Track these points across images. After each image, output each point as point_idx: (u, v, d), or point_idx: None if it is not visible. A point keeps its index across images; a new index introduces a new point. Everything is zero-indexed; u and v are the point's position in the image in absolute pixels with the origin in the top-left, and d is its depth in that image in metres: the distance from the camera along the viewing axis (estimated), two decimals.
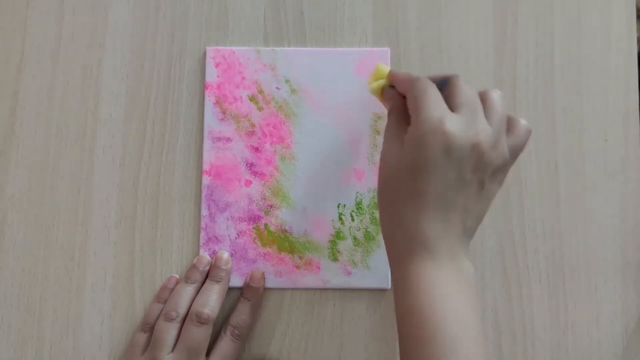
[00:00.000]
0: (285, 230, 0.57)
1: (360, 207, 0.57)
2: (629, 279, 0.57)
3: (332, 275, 0.56)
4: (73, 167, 0.58)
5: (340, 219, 0.57)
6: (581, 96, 0.59)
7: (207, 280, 0.55)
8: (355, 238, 0.56)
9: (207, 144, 0.57)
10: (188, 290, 0.54)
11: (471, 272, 0.45)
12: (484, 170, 0.44)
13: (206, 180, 0.57)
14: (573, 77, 0.59)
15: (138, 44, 0.60)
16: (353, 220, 0.57)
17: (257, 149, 0.57)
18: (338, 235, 0.56)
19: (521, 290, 0.57)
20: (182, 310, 0.53)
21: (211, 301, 0.53)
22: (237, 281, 0.56)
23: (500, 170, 0.46)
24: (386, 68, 0.52)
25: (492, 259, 0.57)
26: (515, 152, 0.47)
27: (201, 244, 0.56)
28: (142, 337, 0.54)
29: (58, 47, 0.60)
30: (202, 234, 0.56)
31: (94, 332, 0.56)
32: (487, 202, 0.46)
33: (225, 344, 0.53)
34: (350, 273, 0.56)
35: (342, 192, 0.57)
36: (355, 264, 0.56)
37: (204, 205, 0.57)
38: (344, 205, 0.57)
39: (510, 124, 0.47)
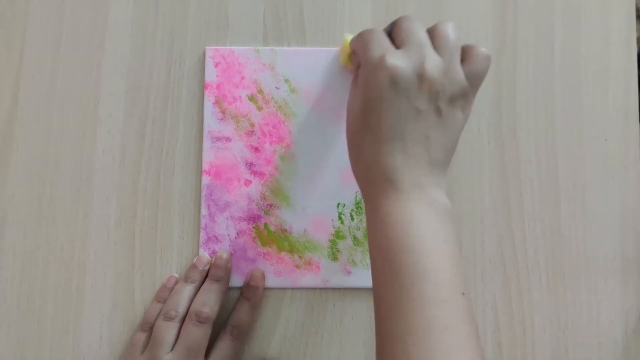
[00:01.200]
0: (285, 230, 0.57)
1: (360, 207, 0.57)
2: (629, 279, 0.57)
3: (332, 274, 0.56)
4: (73, 167, 0.58)
5: (340, 218, 0.57)
6: (581, 96, 0.59)
7: (207, 280, 0.55)
8: (355, 237, 0.56)
9: (206, 143, 0.57)
10: (187, 290, 0.54)
11: (444, 203, 0.45)
12: (437, 98, 0.45)
13: (206, 180, 0.57)
14: (573, 77, 0.59)
15: (138, 44, 0.60)
16: (353, 219, 0.57)
17: (256, 149, 0.57)
18: (338, 235, 0.56)
19: (521, 290, 0.57)
20: (181, 309, 0.53)
21: (211, 300, 0.53)
22: (237, 281, 0.56)
23: (459, 97, 0.46)
24: (350, 37, 0.53)
25: (492, 259, 0.57)
26: (474, 79, 0.46)
27: (201, 243, 0.56)
28: (142, 337, 0.53)
29: (58, 47, 0.60)
30: (202, 233, 0.56)
31: (94, 332, 0.56)
32: (452, 131, 0.46)
33: (225, 344, 0.53)
34: (350, 272, 0.56)
35: (342, 192, 0.57)
36: (355, 263, 0.56)
37: (203, 205, 0.57)
38: (344, 205, 0.57)
39: (466, 52, 0.47)
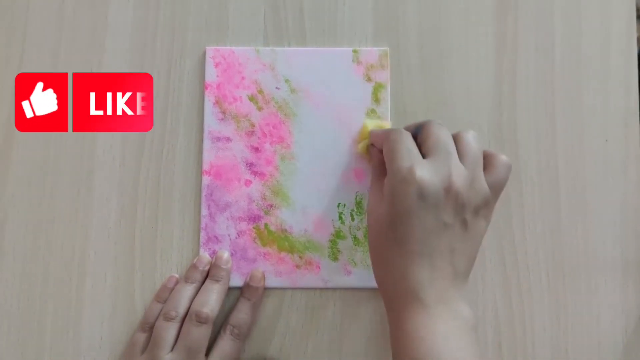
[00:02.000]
0: (285, 230, 0.57)
1: (360, 207, 0.57)
2: (629, 279, 0.57)
3: (332, 274, 0.56)
4: (73, 167, 0.58)
5: (340, 218, 0.57)
6: (581, 96, 0.59)
7: (207, 280, 0.55)
8: (355, 237, 0.56)
9: (206, 143, 0.57)
10: (188, 290, 0.54)
11: (468, 316, 0.46)
12: (464, 211, 0.46)
13: (206, 180, 0.57)
14: (573, 78, 0.59)
15: (138, 44, 0.60)
16: (353, 219, 0.57)
17: (257, 149, 0.57)
18: (338, 235, 0.56)
19: (521, 290, 0.57)
20: (181, 309, 0.53)
21: (211, 301, 0.53)
22: (237, 281, 0.56)
23: (483, 207, 0.47)
24: (370, 125, 0.56)
25: (492, 259, 0.57)
26: (496, 188, 0.48)
27: (201, 243, 0.56)
28: (142, 337, 0.54)
29: (58, 47, 0.59)
30: (202, 233, 0.56)
31: (94, 332, 0.56)
32: (475, 241, 0.47)
33: (225, 344, 0.53)
34: (350, 272, 0.56)
35: (342, 192, 0.57)
36: (355, 263, 0.56)
37: (203, 205, 0.57)
38: (344, 205, 0.57)
39: (488, 161, 0.48)
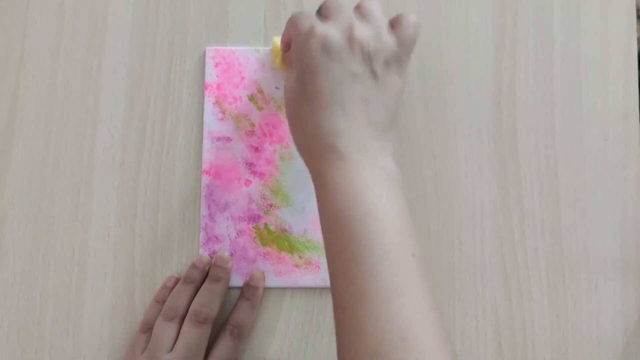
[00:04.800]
0: (285, 230, 0.57)
1: None
2: (629, 279, 0.57)
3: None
4: (73, 167, 0.58)
5: None
6: (581, 96, 0.59)
7: (207, 280, 0.55)
8: None
9: (206, 143, 0.57)
10: (187, 290, 0.54)
11: (389, 168, 0.45)
12: (371, 61, 0.45)
13: (206, 180, 0.57)
14: (573, 77, 0.59)
15: (138, 44, 0.60)
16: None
17: (256, 149, 0.57)
18: None
19: (521, 290, 0.57)
20: (181, 309, 0.53)
21: (210, 301, 0.53)
22: (237, 280, 0.56)
23: (393, 61, 0.46)
24: (278, 40, 0.55)
25: (492, 259, 0.57)
26: (405, 44, 0.47)
27: (201, 243, 0.56)
28: (142, 337, 0.53)
29: (58, 47, 0.60)
30: (202, 233, 0.56)
31: (94, 332, 0.56)
32: (391, 94, 0.47)
33: (225, 344, 0.53)
34: None
35: None
36: None
37: (203, 205, 0.57)
38: None
39: (395, 21, 0.48)
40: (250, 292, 0.55)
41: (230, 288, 0.56)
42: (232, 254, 0.56)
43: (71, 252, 0.57)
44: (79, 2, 0.60)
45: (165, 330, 0.52)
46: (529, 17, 0.60)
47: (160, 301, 0.55)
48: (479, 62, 0.59)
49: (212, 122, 0.58)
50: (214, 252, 0.56)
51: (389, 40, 0.46)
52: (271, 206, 0.57)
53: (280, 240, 0.57)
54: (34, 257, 0.57)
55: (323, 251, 0.56)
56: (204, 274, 0.55)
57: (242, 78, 0.58)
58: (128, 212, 0.57)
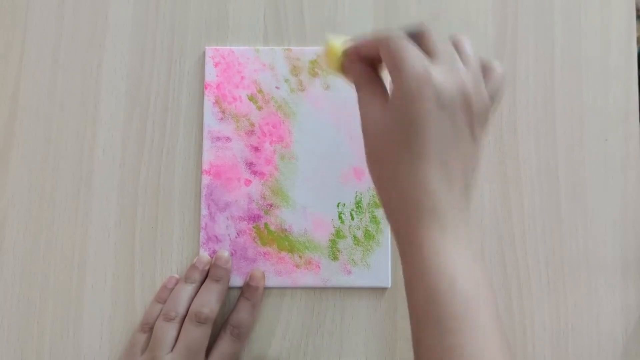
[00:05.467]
0: (285, 230, 0.57)
1: (360, 206, 0.57)
2: (629, 279, 0.57)
3: (332, 274, 0.56)
4: (73, 167, 0.58)
5: (340, 218, 0.57)
6: (581, 96, 0.59)
7: (207, 280, 0.55)
8: (355, 237, 0.56)
9: (206, 143, 0.57)
10: (187, 290, 0.54)
11: (476, 236, 0.43)
12: (472, 116, 0.42)
13: (206, 179, 0.57)
14: (573, 77, 0.59)
15: (138, 44, 0.60)
16: (353, 219, 0.57)
17: (256, 149, 0.57)
18: (338, 234, 0.56)
19: (521, 290, 0.57)
20: (181, 310, 0.53)
21: (211, 301, 0.53)
22: (237, 280, 0.56)
23: (484, 116, 0.43)
24: (338, 41, 0.47)
25: (492, 259, 0.57)
26: (494, 97, 0.44)
27: (201, 243, 0.56)
28: (142, 337, 0.53)
29: (58, 47, 0.60)
30: (202, 233, 0.56)
31: (94, 332, 0.56)
32: (479, 152, 0.43)
33: (225, 343, 0.53)
34: (350, 272, 0.56)
35: (342, 191, 0.57)
36: (355, 263, 0.56)
37: (203, 205, 0.57)
38: (344, 204, 0.57)
39: (485, 70, 0.45)
40: (250, 292, 0.55)
41: (230, 288, 0.56)
42: (232, 254, 0.56)
43: (71, 252, 0.57)
44: (79, 2, 0.60)
45: (165, 331, 0.52)
46: (529, 16, 0.60)
47: (160, 301, 0.55)
48: None
49: (212, 122, 0.58)
50: (214, 252, 0.56)
51: (485, 94, 0.43)
52: (271, 206, 0.57)
53: (280, 240, 0.57)
54: (34, 257, 0.57)
55: (323, 251, 0.56)
56: (204, 274, 0.55)
57: (242, 78, 0.58)
58: (128, 212, 0.57)
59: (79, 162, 0.58)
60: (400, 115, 0.41)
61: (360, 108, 0.45)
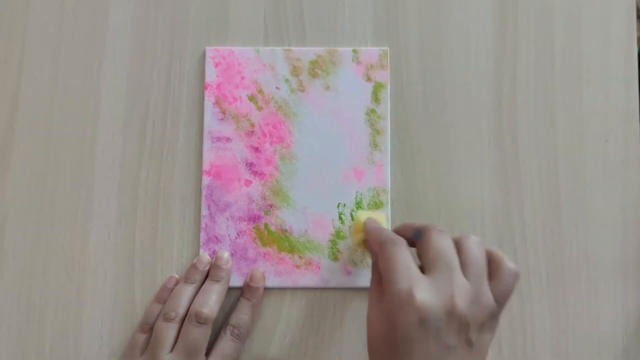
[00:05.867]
0: (285, 230, 0.57)
1: (361, 207, 0.57)
2: (629, 279, 0.57)
3: (332, 274, 0.56)
4: (73, 167, 0.58)
5: (340, 218, 0.57)
6: (581, 96, 0.59)
7: (207, 280, 0.55)
8: None
9: (206, 144, 0.57)
10: (187, 290, 0.54)
11: None
12: (467, 330, 0.42)
13: (206, 180, 0.57)
14: (573, 77, 0.59)
15: (138, 44, 0.60)
16: (353, 219, 0.57)
17: (256, 149, 0.57)
18: (338, 235, 0.56)
19: (521, 290, 0.57)
20: (181, 310, 0.53)
21: (210, 301, 0.53)
22: (237, 281, 0.56)
23: (488, 320, 0.43)
24: (362, 216, 0.51)
25: None
26: (502, 299, 0.44)
27: (201, 243, 0.56)
28: (142, 338, 0.53)
29: (58, 47, 0.60)
30: (202, 233, 0.56)
31: (94, 332, 0.56)
32: (481, 354, 0.43)
33: (225, 344, 0.53)
34: (350, 272, 0.56)
35: (342, 192, 0.57)
36: (355, 263, 0.56)
37: (203, 205, 0.57)
38: (344, 205, 0.57)
39: (494, 267, 0.45)
40: (250, 292, 0.55)
41: (230, 288, 0.56)
42: (232, 254, 0.56)
43: (71, 252, 0.57)
44: (79, 2, 0.60)
45: (165, 331, 0.52)
46: (529, 17, 0.60)
47: (160, 301, 0.55)
48: (479, 62, 0.59)
49: (212, 122, 0.58)
50: (214, 253, 0.56)
51: (488, 300, 0.43)
52: (271, 206, 0.57)
53: (280, 240, 0.57)
54: (34, 257, 0.57)
55: (323, 251, 0.56)
56: (204, 275, 0.55)
57: (242, 78, 0.58)
58: (128, 212, 0.57)
59: (79, 162, 0.58)
60: (386, 331, 0.43)
61: (369, 291, 0.47)
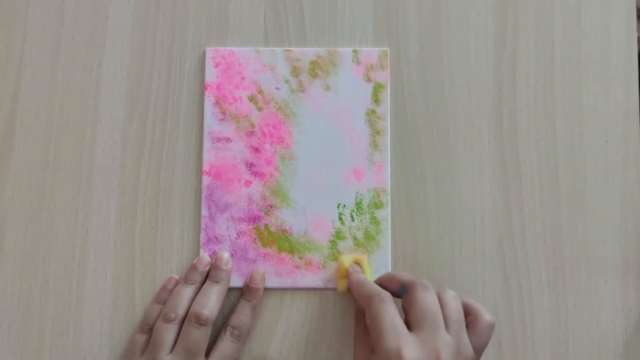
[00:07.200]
0: (285, 231, 0.57)
1: (360, 207, 0.57)
2: (629, 279, 0.57)
3: (332, 275, 0.56)
4: (73, 167, 0.58)
5: (340, 219, 0.57)
6: (581, 96, 0.59)
7: (207, 281, 0.55)
8: (355, 238, 0.56)
9: (206, 144, 0.57)
10: (187, 291, 0.54)
11: None
12: None
13: (206, 180, 0.57)
14: (573, 77, 0.59)
15: (138, 44, 0.60)
16: (353, 220, 0.57)
17: (256, 149, 0.57)
18: (338, 235, 0.56)
19: (521, 290, 0.57)
20: (181, 311, 0.53)
21: (210, 302, 0.53)
22: (237, 281, 0.56)
23: None
24: (346, 262, 0.55)
25: (492, 259, 0.57)
26: (480, 348, 0.48)
27: (201, 244, 0.56)
28: (142, 338, 0.53)
29: (58, 47, 0.60)
30: (202, 234, 0.56)
31: (94, 332, 0.56)
32: None
33: (225, 345, 0.53)
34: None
35: (342, 192, 0.57)
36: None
37: (203, 206, 0.57)
38: (344, 205, 0.57)
39: (472, 319, 0.49)
40: (250, 293, 0.55)
41: (230, 289, 0.56)
42: (232, 255, 0.56)
43: (71, 252, 0.57)
44: (79, 2, 0.60)
45: (165, 332, 0.52)
46: (529, 17, 0.60)
47: (160, 302, 0.55)
48: (479, 62, 0.59)
49: (212, 123, 0.58)
50: (214, 253, 0.56)
51: (468, 352, 0.47)
52: (271, 207, 0.57)
53: (280, 241, 0.57)
54: (34, 257, 0.57)
55: (323, 252, 0.56)
56: (204, 275, 0.55)
57: (242, 78, 0.58)
58: (128, 212, 0.57)
59: (79, 162, 0.58)
60: None
61: (355, 345, 0.52)
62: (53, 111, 0.59)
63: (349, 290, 0.54)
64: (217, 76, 0.58)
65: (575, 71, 0.59)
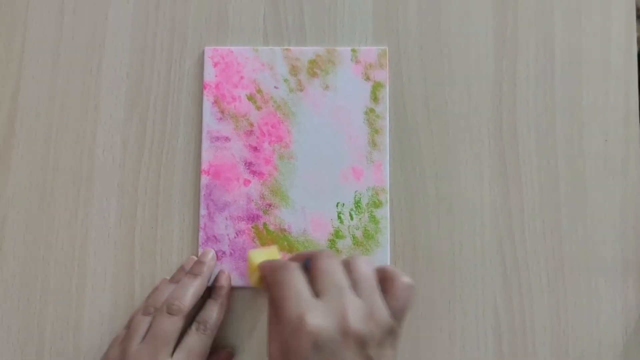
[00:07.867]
0: (284, 230, 0.57)
1: (359, 206, 0.57)
2: (629, 279, 0.57)
3: None
4: (73, 167, 0.58)
5: (339, 218, 0.57)
6: (581, 96, 0.59)
7: (186, 274, 0.55)
8: (354, 237, 0.56)
9: (205, 143, 0.57)
10: (169, 288, 0.54)
11: None
12: (366, 347, 0.42)
13: (205, 179, 0.57)
14: (573, 77, 0.59)
15: (138, 44, 0.60)
16: (352, 219, 0.57)
17: (255, 148, 0.57)
18: (337, 235, 0.56)
19: (521, 290, 0.56)
20: (159, 305, 0.53)
21: (184, 294, 0.52)
22: (236, 280, 0.56)
23: (387, 337, 0.43)
24: (256, 257, 0.51)
25: (492, 259, 0.57)
26: (400, 313, 0.44)
27: (200, 243, 0.56)
28: (123, 333, 0.53)
29: (58, 47, 0.60)
30: (201, 233, 0.56)
31: (94, 332, 0.56)
32: None
33: (191, 338, 0.52)
34: None
35: (341, 191, 0.57)
36: None
37: (202, 205, 0.57)
38: (343, 204, 0.57)
39: (388, 285, 0.45)
40: (216, 292, 0.55)
41: (231, 289, 0.56)
42: (231, 254, 0.56)
43: (71, 252, 0.57)
44: (79, 3, 0.60)
45: (140, 323, 0.52)
46: (529, 16, 0.60)
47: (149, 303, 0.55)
48: (479, 62, 0.59)
49: (211, 122, 0.58)
50: None
51: (382, 315, 0.43)
52: (270, 206, 0.57)
53: (279, 240, 0.57)
54: (34, 257, 0.57)
55: None
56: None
57: (241, 78, 0.58)
58: (128, 212, 0.58)
59: (79, 162, 0.58)
60: (285, 356, 0.42)
61: (268, 329, 0.46)
62: (53, 111, 0.59)
63: (260, 281, 0.51)
64: (216, 75, 0.58)
65: (575, 71, 0.59)
